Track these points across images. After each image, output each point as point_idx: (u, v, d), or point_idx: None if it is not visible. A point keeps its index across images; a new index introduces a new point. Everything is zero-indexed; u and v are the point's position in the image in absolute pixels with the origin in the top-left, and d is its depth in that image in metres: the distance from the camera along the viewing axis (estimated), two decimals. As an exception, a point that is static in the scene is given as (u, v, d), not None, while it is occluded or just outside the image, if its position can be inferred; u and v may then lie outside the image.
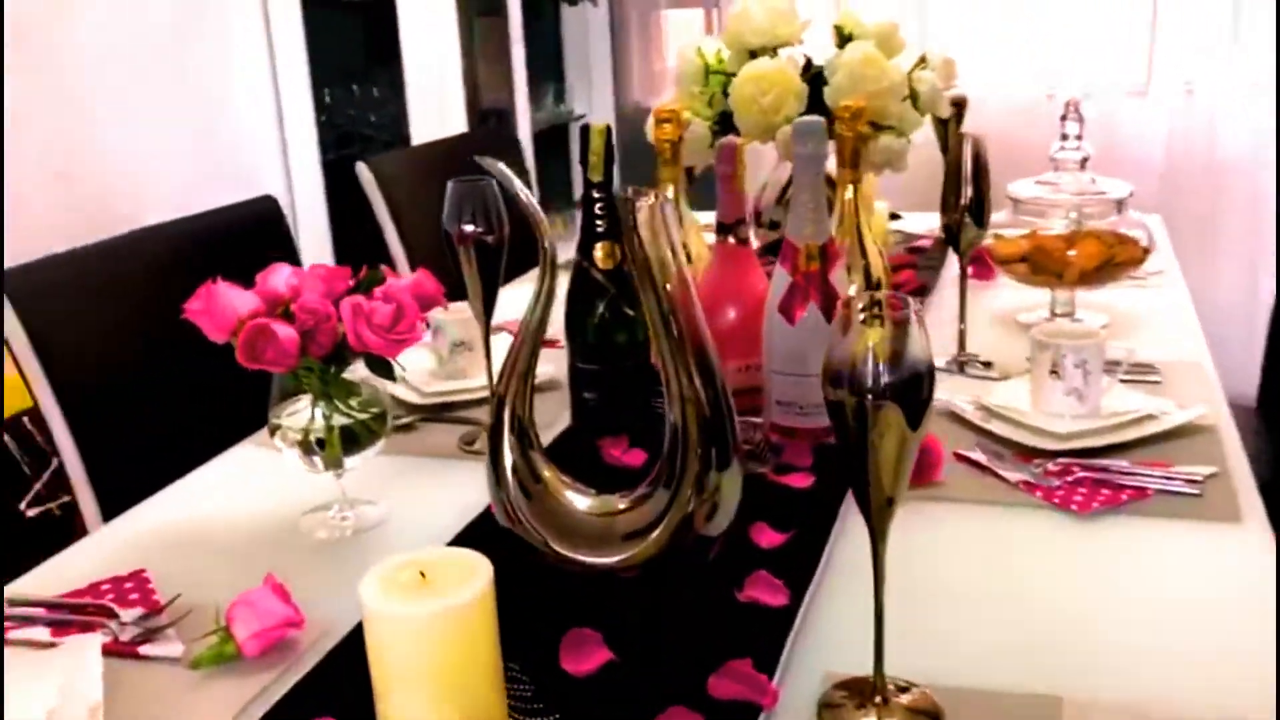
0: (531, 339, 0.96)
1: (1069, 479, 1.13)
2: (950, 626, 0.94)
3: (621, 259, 1.26)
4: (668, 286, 0.90)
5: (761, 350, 1.28)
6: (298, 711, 0.84)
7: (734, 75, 1.61)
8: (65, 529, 1.99)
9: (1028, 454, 1.19)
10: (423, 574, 0.70)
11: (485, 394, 1.43)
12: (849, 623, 0.93)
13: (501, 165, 0.95)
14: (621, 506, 0.94)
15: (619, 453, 1.24)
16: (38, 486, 2.14)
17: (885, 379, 0.73)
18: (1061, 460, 1.17)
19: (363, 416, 1.10)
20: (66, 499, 2.01)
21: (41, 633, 0.97)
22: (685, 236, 1.45)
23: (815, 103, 1.60)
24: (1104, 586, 0.99)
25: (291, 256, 1.81)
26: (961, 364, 1.50)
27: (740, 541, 1.04)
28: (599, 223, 1.25)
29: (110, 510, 1.32)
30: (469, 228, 1.25)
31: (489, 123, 3.31)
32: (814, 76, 1.62)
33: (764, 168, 1.80)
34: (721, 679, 0.84)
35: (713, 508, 0.92)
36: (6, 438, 2.18)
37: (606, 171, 1.23)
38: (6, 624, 0.98)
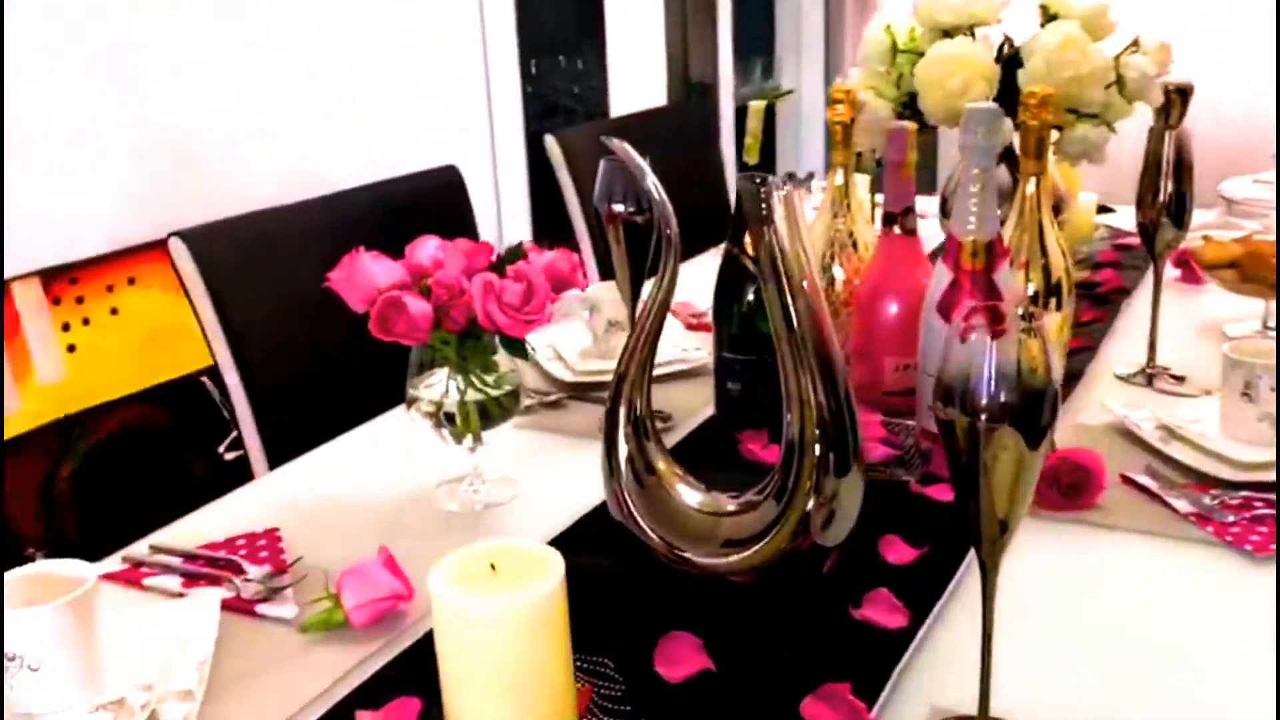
0: (650, 328, 0.93)
1: (1247, 515, 1.02)
2: (1086, 670, 0.85)
3: (774, 246, 1.21)
4: (795, 281, 0.85)
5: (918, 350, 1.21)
6: (394, 685, 0.84)
7: (923, 55, 1.52)
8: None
9: (1205, 483, 1.08)
10: (493, 566, 0.68)
11: (598, 379, 1.41)
12: (969, 655, 0.86)
13: (628, 147, 0.91)
14: (730, 508, 0.90)
15: (758, 447, 1.20)
16: (235, 433, 2.26)
17: (1001, 399, 0.66)
18: (1243, 494, 1.05)
19: (495, 393, 1.10)
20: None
21: (174, 582, 1.01)
22: (852, 224, 1.38)
23: (1009, 87, 1.49)
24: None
25: (468, 227, 1.83)
26: (1150, 376, 1.38)
27: (866, 554, 0.98)
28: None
29: (276, 462, 1.38)
30: (618, 207, 1.22)
31: (691, 97, 3.28)
32: (1009, 59, 1.51)
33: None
34: (817, 702, 0.79)
35: (829, 516, 0.87)
36: (209, 384, 2.32)
37: (763, 153, 1.19)
38: (143, 570, 1.03)
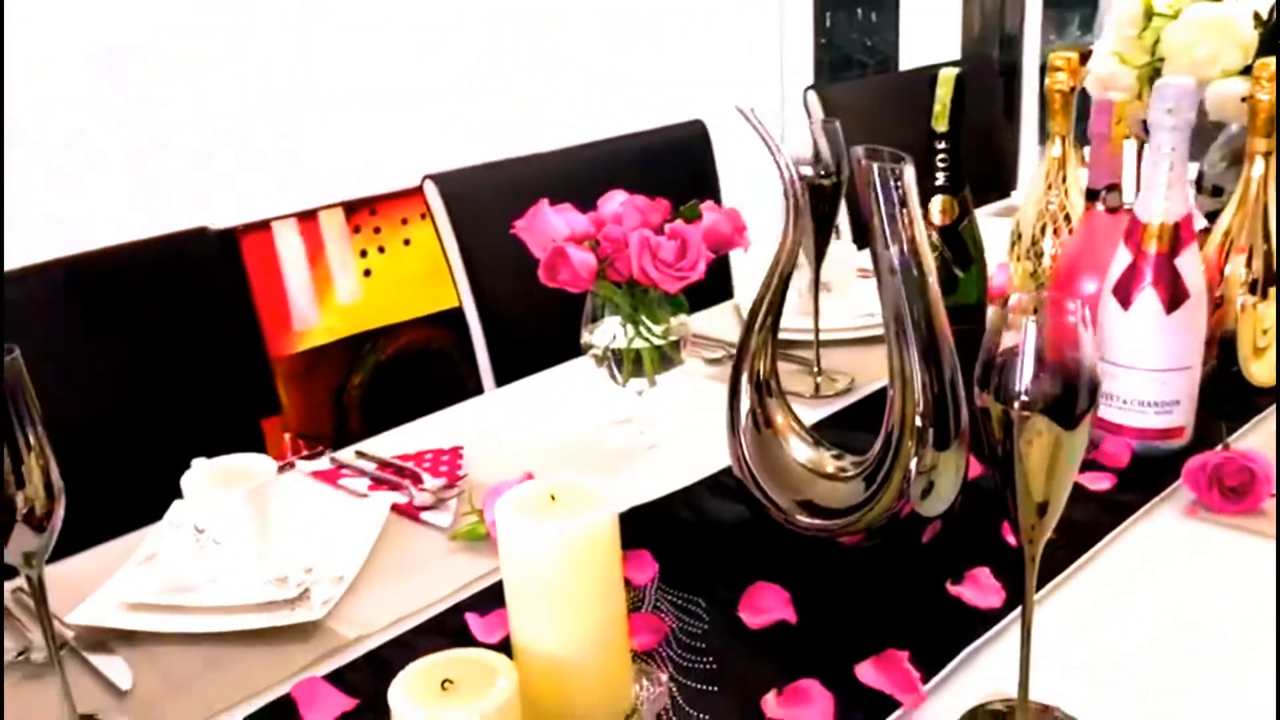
0: (774, 290, 0.96)
1: None
2: (1162, 670, 0.82)
3: (958, 216, 1.20)
4: (905, 253, 0.86)
5: None
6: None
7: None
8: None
9: (1397, 504, 0.99)
10: (553, 497, 0.76)
11: (802, 336, 1.42)
12: (1053, 648, 0.85)
13: (760, 115, 0.94)
14: (829, 470, 0.93)
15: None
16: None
17: (1032, 386, 0.66)
18: None
19: (659, 342, 1.16)
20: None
21: (362, 484, 1.15)
22: (1065, 199, 1.33)
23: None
24: None
25: (709, 181, 1.89)
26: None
27: (989, 534, 0.97)
28: (939, 175, 1.19)
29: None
30: (806, 170, 1.25)
31: (989, 52, 3.16)
32: (1274, 28, 1.39)
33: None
34: (871, 665, 0.81)
35: (927, 486, 0.88)
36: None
37: (953, 121, 1.17)
38: (343, 471, 1.18)
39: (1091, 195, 1.22)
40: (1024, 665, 0.74)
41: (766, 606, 0.89)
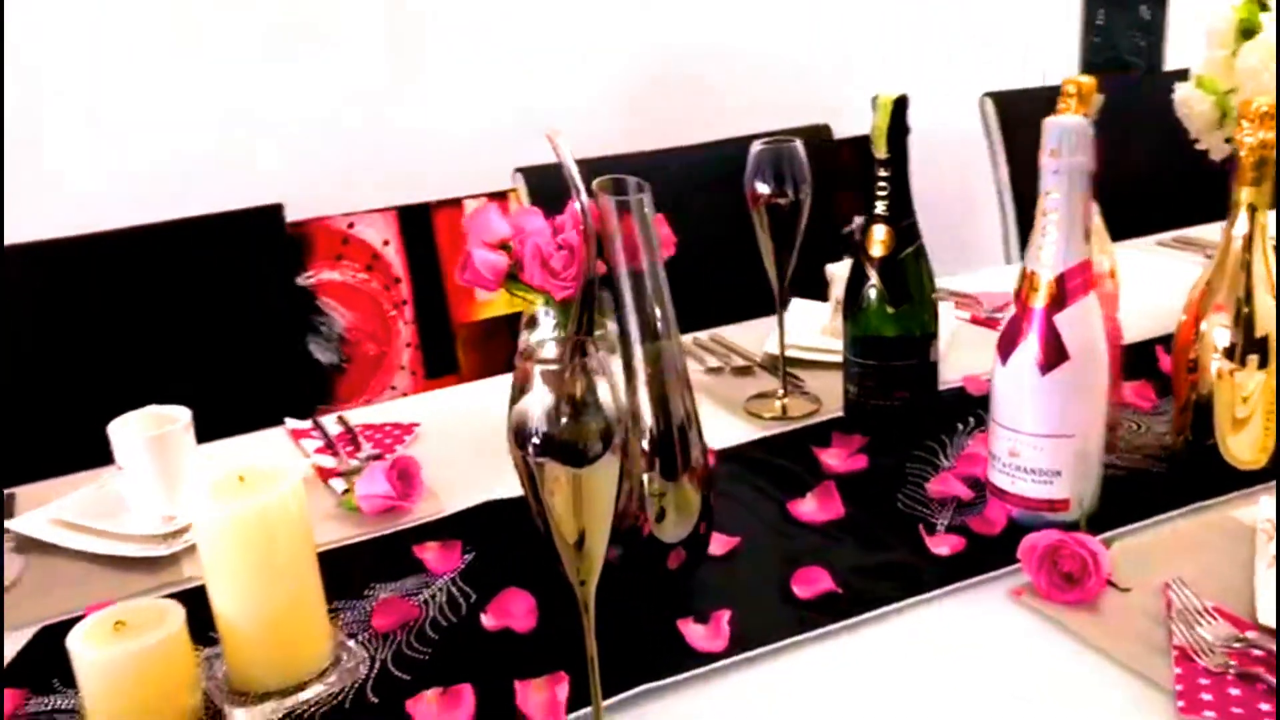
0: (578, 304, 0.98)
1: (1239, 670, 0.80)
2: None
3: (897, 247, 1.14)
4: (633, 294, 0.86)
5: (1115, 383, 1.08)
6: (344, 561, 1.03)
7: None
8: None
9: (1247, 622, 0.85)
10: (241, 479, 0.84)
11: (820, 357, 1.39)
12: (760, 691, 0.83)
13: (560, 139, 0.96)
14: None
15: (835, 459, 1.15)
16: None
17: (544, 431, 0.66)
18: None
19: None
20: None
21: (312, 445, 1.28)
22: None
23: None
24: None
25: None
26: None
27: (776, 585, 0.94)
28: (878, 204, 1.14)
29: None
30: (762, 189, 1.22)
31: None
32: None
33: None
34: (531, 685, 0.83)
35: (660, 512, 0.89)
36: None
37: (891, 147, 1.12)
38: (306, 432, 1.32)
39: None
40: (595, 701, 0.74)
41: (510, 611, 0.93)
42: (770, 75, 2.62)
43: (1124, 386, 1.21)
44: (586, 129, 2.45)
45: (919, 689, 0.84)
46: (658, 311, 0.87)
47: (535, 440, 0.66)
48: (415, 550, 1.03)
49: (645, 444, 0.88)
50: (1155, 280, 1.63)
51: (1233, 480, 1.06)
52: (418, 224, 2.36)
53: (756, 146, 1.23)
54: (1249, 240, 1.03)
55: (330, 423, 1.34)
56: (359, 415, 1.37)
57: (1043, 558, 0.91)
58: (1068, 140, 0.92)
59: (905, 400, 1.17)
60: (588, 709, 0.81)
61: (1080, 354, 0.95)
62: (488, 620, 0.92)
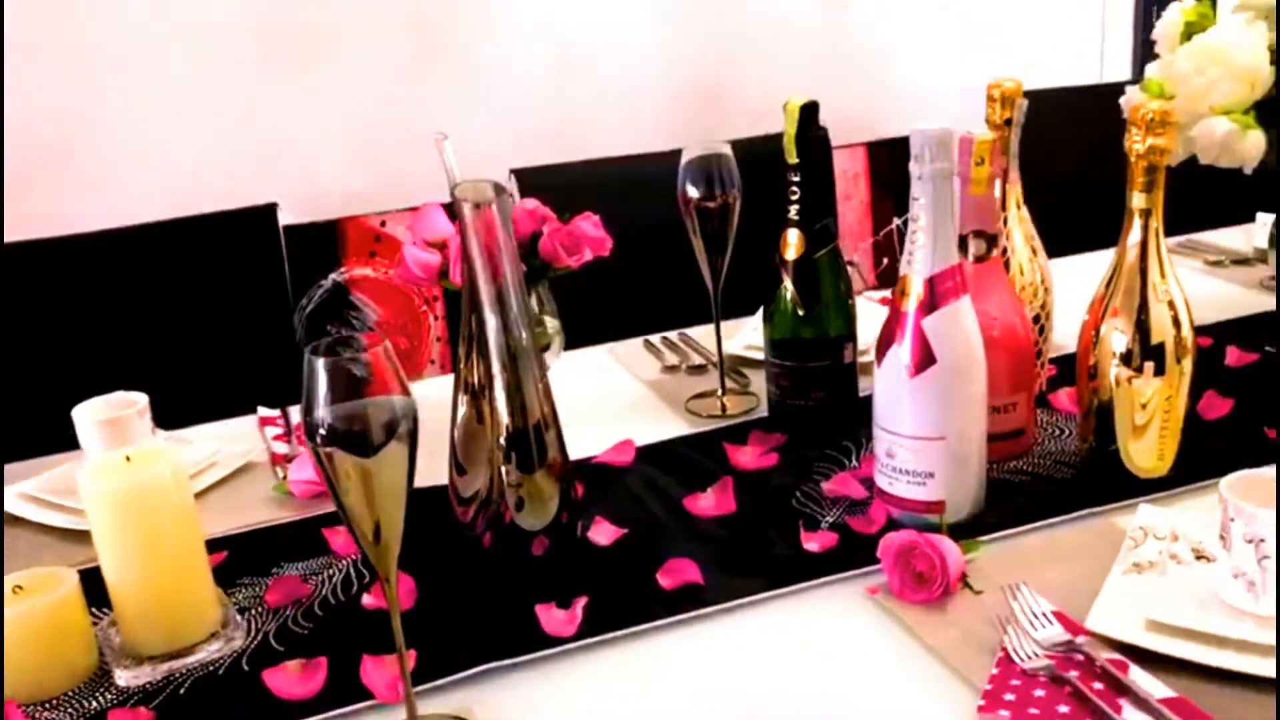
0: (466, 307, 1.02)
1: (1072, 676, 0.80)
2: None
3: (809, 250, 1.16)
4: (491, 297, 0.91)
5: (1022, 388, 1.11)
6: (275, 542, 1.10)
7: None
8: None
9: (1082, 627, 0.85)
10: (129, 459, 0.91)
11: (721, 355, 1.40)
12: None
13: (446, 148, 1.00)
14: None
15: (747, 456, 1.18)
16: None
17: (329, 422, 0.71)
18: (1118, 657, 0.81)
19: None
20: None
21: (273, 431, 1.36)
22: (1010, 250, 1.21)
23: (1285, 92, 1.15)
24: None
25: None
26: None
27: (641, 576, 0.98)
28: (790, 208, 1.16)
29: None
30: (693, 193, 1.25)
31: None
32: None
33: None
34: (372, 661, 0.88)
35: (519, 501, 0.94)
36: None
37: (804, 152, 1.14)
38: (276, 420, 1.39)
39: (961, 244, 1.12)
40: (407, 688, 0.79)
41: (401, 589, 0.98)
42: (801, 75, 2.64)
43: (1037, 387, 1.21)
44: (623, 128, 2.51)
45: (756, 681, 0.86)
46: (514, 315, 0.91)
47: (322, 431, 0.71)
48: (325, 533, 1.09)
49: (503, 439, 0.93)
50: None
51: (1133, 488, 1.05)
52: (448, 223, 2.44)
53: (687, 153, 1.26)
54: (1143, 247, 1.02)
55: (298, 411, 1.42)
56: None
57: (898, 557, 0.93)
58: (930, 148, 0.94)
59: (820, 401, 1.19)
60: (435, 682, 0.87)
61: (950, 357, 0.97)
62: (368, 600, 0.98)
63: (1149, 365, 1.03)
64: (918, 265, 0.97)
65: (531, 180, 1.78)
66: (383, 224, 2.39)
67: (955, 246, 0.97)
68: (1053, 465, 1.12)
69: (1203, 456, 1.08)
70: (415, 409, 0.73)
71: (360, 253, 2.38)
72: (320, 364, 0.70)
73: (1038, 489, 1.08)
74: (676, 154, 1.88)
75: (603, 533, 1.04)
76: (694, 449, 1.22)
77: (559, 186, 1.80)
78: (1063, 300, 1.25)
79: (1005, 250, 1.21)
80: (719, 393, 1.34)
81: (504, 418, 0.92)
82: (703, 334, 1.55)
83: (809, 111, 1.13)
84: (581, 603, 0.93)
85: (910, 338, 0.97)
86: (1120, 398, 1.05)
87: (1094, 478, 1.08)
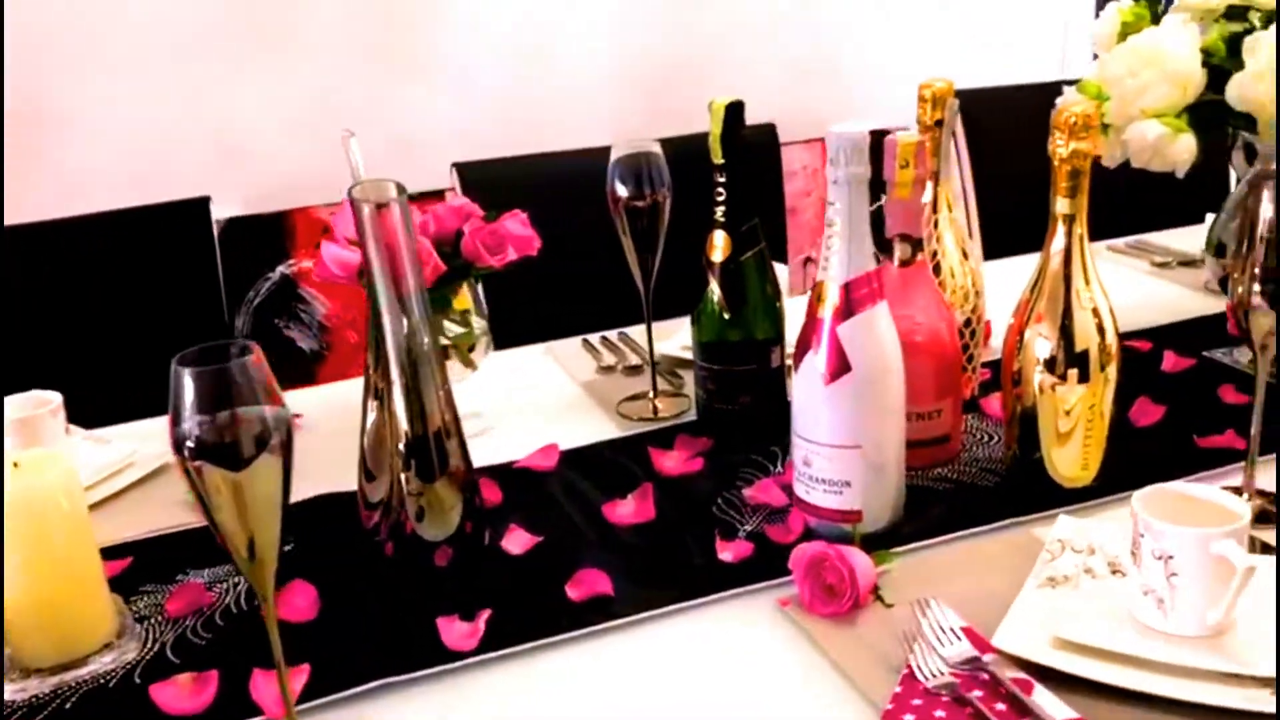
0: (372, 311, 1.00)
1: (969, 697, 0.79)
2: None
3: (735, 251, 1.14)
4: (390, 301, 0.88)
5: (948, 394, 1.09)
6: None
7: (1156, 44, 1.20)
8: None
9: (990, 645, 0.83)
10: (15, 464, 0.89)
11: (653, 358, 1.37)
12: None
13: (352, 145, 0.98)
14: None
15: (673, 461, 1.16)
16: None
17: (197, 435, 0.69)
18: (1023, 677, 0.80)
19: (444, 342, 1.22)
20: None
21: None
22: (938, 245, 1.19)
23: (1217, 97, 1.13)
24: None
25: (769, 186, 1.84)
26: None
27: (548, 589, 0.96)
28: (716, 210, 1.14)
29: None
30: (622, 191, 1.23)
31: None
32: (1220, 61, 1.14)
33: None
34: (261, 675, 0.86)
35: (419, 511, 0.91)
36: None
37: (729, 153, 1.12)
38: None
39: (885, 247, 1.11)
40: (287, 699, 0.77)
41: (293, 603, 0.96)
42: (763, 68, 2.61)
43: (969, 392, 1.20)
44: (581, 123, 2.48)
45: (659, 696, 0.84)
46: (416, 318, 0.89)
47: (190, 444, 0.68)
48: (233, 538, 1.06)
49: (402, 446, 0.90)
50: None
51: (1056, 498, 1.04)
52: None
53: (616, 151, 1.24)
54: (1067, 254, 1.01)
55: (224, 411, 1.39)
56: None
57: (808, 569, 0.91)
58: (845, 151, 0.92)
59: (747, 405, 1.17)
60: (331, 696, 0.84)
61: (865, 365, 0.95)
62: (285, 610, 0.95)
63: (1073, 373, 1.01)
64: (833, 271, 0.95)
65: (474, 175, 1.75)
66: (332, 215, 2.36)
67: (871, 252, 0.95)
68: (978, 473, 1.10)
69: (1130, 465, 1.07)
70: (288, 420, 0.71)
71: (309, 245, 2.35)
72: (187, 374, 0.68)
73: (960, 497, 1.06)
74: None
75: (516, 541, 1.02)
76: (620, 453, 1.20)
77: (503, 181, 1.78)
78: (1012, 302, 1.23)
79: (936, 254, 1.20)
80: (650, 395, 1.32)
81: (403, 424, 0.90)
82: (642, 334, 1.53)
83: (734, 111, 1.11)
84: (485, 615, 0.91)
85: (825, 345, 0.95)
86: (1044, 405, 1.03)
87: (1018, 487, 1.06)
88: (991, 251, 1.91)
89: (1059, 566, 0.91)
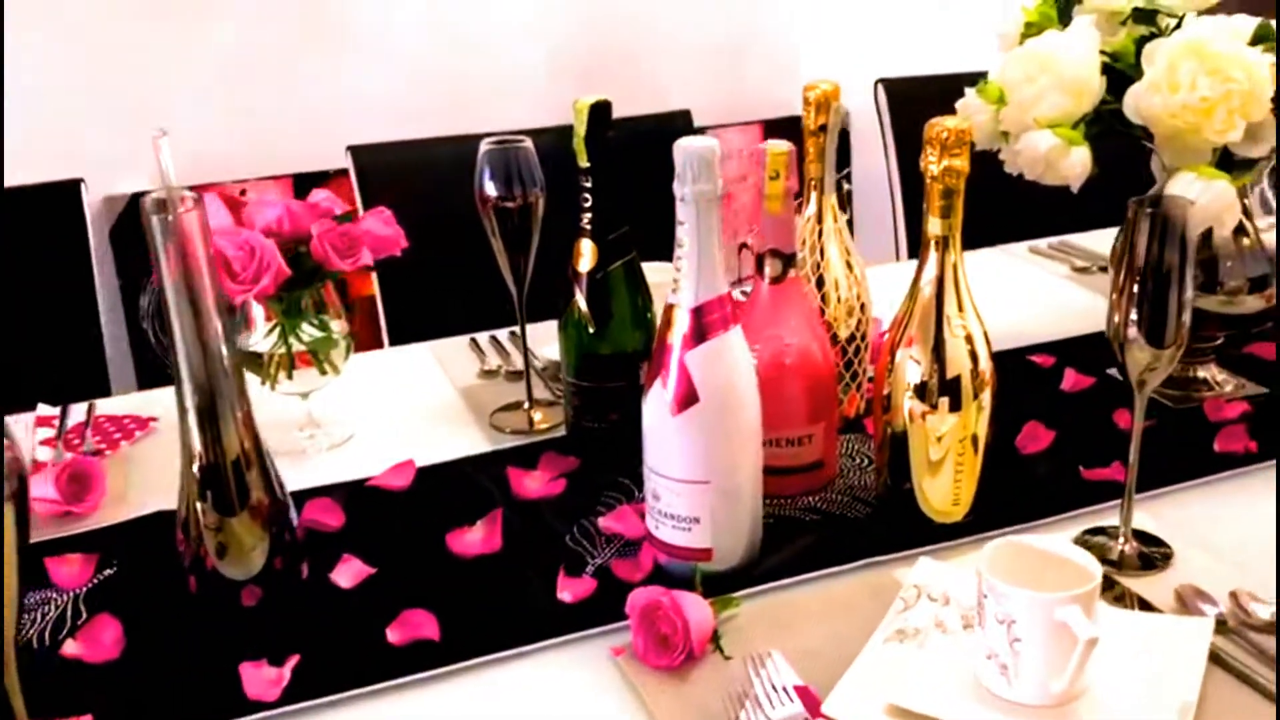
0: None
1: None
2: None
3: (602, 261, 1.07)
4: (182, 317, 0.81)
5: (821, 417, 1.03)
6: None
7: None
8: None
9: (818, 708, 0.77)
10: None
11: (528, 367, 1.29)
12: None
13: (162, 145, 0.90)
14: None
15: (534, 479, 1.09)
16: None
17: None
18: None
19: (299, 347, 1.14)
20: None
21: (46, 433, 1.25)
22: (818, 258, 1.13)
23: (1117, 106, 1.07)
24: None
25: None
26: (1118, 556, 0.95)
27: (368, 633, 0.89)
28: (583, 217, 1.07)
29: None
30: (490, 191, 1.16)
31: None
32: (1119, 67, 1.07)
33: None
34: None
35: (220, 547, 0.84)
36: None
37: (596, 156, 1.04)
38: (53, 422, 1.29)
39: (757, 263, 1.04)
40: None
41: (97, 639, 0.89)
42: (704, 51, 2.53)
43: (853, 410, 1.14)
44: (510, 105, 2.39)
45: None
46: (212, 337, 0.82)
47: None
48: (48, 562, 0.99)
49: (196, 470, 0.83)
50: (1006, 292, 1.55)
51: (926, 534, 0.98)
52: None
53: (485, 146, 1.16)
54: (939, 279, 0.94)
55: (81, 410, 1.31)
56: (116, 403, 1.34)
57: (643, 616, 0.85)
58: (691, 166, 0.85)
59: (615, 424, 1.10)
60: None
61: (715, 395, 0.88)
62: (71, 648, 0.89)
63: (944, 401, 0.95)
64: (682, 296, 0.88)
65: (369, 159, 1.67)
66: (243, 193, 2.27)
67: (722, 274, 0.88)
68: (849, 502, 1.04)
69: (1010, 499, 1.01)
70: (23, 467, 0.64)
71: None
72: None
73: (827, 530, 1.00)
74: (540, 131, 1.78)
75: (348, 573, 0.95)
76: (481, 471, 1.13)
77: (400, 165, 1.70)
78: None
79: (819, 265, 1.13)
80: (525, 405, 1.25)
81: (197, 449, 0.82)
82: (533, 333, 1.46)
83: (600, 111, 1.03)
84: (292, 662, 0.84)
85: (674, 374, 0.88)
86: (914, 433, 0.97)
87: (889, 519, 1.00)
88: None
89: (910, 618, 0.85)
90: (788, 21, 2.70)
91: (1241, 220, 1.17)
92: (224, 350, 0.82)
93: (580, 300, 1.08)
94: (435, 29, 2.35)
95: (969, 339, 0.95)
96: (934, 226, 0.93)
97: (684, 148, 0.85)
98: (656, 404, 0.90)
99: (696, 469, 0.89)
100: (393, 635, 0.88)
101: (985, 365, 0.95)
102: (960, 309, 0.95)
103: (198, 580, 0.86)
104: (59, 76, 2.13)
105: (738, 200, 2.71)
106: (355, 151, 1.67)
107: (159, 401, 1.33)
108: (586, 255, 1.07)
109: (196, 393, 0.81)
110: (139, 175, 2.21)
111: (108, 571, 0.99)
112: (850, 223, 1.12)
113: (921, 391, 0.95)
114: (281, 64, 2.27)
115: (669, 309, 0.89)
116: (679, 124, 1.81)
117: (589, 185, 1.06)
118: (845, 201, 2.94)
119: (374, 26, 2.31)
